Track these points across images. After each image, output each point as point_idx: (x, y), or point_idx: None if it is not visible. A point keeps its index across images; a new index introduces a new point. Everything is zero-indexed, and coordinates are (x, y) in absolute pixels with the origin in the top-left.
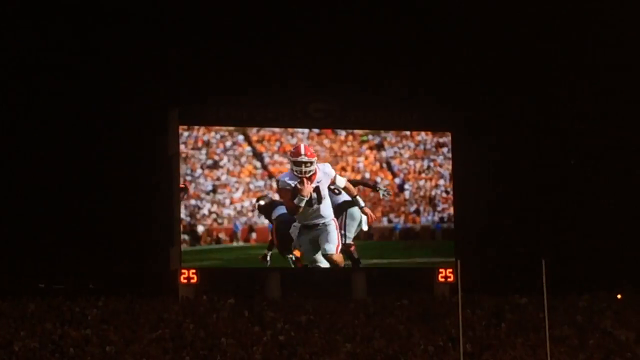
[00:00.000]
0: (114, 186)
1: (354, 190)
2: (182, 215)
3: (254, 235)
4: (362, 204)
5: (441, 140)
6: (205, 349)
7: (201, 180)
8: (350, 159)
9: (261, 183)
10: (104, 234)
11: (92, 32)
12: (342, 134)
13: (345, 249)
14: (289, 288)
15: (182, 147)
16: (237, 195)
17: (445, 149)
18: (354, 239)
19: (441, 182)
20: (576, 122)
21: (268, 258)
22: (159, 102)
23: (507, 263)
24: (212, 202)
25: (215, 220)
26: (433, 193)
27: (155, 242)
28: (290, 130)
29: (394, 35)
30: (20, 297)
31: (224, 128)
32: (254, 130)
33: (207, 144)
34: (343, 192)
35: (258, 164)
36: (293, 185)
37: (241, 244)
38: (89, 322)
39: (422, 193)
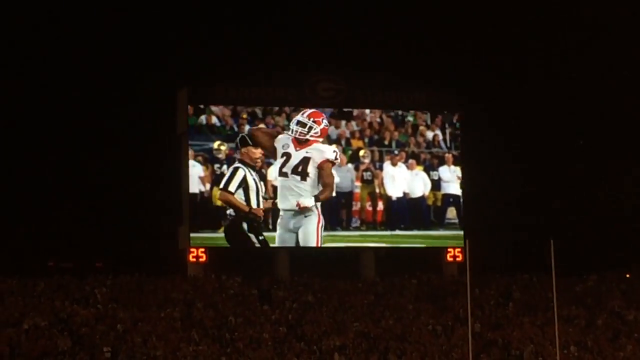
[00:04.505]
0: (123, 165)
1: None
2: None
3: None
4: None
5: None
6: (213, 328)
7: None
8: None
9: None
10: (112, 213)
11: (100, 14)
12: None
13: None
14: (297, 267)
15: None
16: None
17: None
18: None
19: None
20: (584, 102)
21: None
22: (168, 82)
23: (515, 243)
24: None
25: None
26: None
27: (164, 221)
28: None
29: (404, 14)
30: (30, 276)
31: None
32: None
33: None
34: None
35: None
36: None
37: None
38: (97, 301)
39: None
